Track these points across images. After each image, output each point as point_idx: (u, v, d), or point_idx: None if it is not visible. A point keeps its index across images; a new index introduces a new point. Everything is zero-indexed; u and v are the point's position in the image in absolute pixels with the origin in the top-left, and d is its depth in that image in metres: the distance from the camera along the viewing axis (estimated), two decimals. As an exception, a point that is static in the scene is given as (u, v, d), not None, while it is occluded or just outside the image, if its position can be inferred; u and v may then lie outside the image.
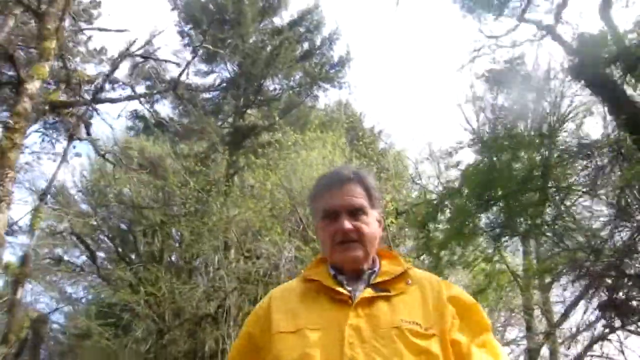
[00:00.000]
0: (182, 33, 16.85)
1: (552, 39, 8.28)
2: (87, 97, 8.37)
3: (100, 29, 9.02)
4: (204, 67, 16.92)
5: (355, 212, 1.64)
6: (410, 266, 1.69)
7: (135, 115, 14.36)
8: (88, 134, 8.46)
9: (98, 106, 8.41)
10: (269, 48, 15.95)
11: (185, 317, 11.14)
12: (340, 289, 1.56)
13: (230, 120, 15.72)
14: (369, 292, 1.55)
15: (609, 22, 7.64)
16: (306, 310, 1.56)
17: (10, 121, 5.57)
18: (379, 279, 1.60)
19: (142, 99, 9.60)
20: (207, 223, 10.67)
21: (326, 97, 17.56)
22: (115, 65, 7.81)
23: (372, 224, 1.67)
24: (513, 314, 14.57)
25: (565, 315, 10.98)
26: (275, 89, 15.97)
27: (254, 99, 15.13)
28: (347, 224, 1.60)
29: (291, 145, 12.92)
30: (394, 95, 34.75)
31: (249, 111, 15.33)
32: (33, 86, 5.78)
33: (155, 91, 9.68)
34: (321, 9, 17.60)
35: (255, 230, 11.51)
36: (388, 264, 1.68)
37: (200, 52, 16.69)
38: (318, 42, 16.97)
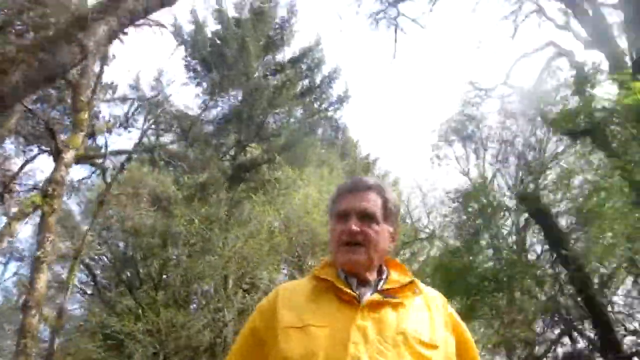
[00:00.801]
0: (188, 67, 17.65)
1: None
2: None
3: (125, 98, 9.75)
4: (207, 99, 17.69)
5: (366, 217, 1.66)
6: (416, 279, 1.71)
7: (143, 149, 15.05)
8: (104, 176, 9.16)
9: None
10: (271, 85, 16.71)
11: (184, 345, 11.71)
12: (349, 291, 1.58)
13: (232, 152, 16.43)
14: (376, 297, 1.58)
15: (582, 97, 8.49)
16: (313, 307, 1.58)
17: (49, 188, 6.27)
18: (387, 286, 1.63)
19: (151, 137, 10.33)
20: (209, 262, 11.29)
21: (324, 133, 18.26)
22: (141, 137, 8.55)
23: (381, 233, 1.67)
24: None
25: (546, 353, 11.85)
26: (276, 124, 16.71)
27: (256, 134, 15.86)
28: (354, 226, 1.63)
29: (290, 181, 13.62)
30: (389, 124, 35.74)
31: (250, 145, 16.05)
32: (69, 155, 6.49)
33: (170, 141, 10.38)
34: (322, 46, 18.46)
35: (254, 264, 12.15)
36: (396, 273, 1.70)
37: (205, 85, 17.54)
38: (318, 80, 17.80)
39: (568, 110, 8.09)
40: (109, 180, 9.03)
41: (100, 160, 8.59)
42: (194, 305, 14.40)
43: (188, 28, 17.80)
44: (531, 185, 9.02)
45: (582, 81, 8.35)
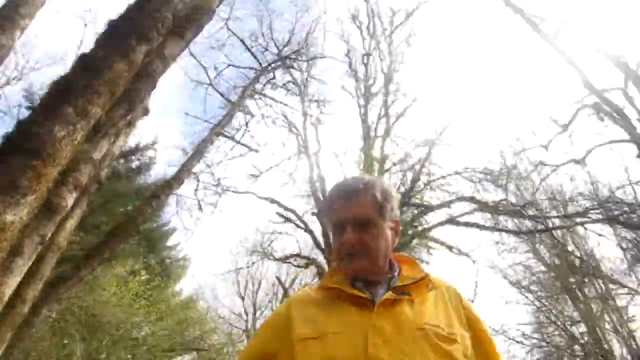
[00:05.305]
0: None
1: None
2: None
3: None
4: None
5: (361, 224, 1.63)
6: (430, 273, 1.67)
7: None
8: None
9: None
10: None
11: None
12: (361, 294, 1.56)
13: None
14: (390, 295, 1.55)
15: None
16: (327, 316, 1.55)
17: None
18: (399, 283, 1.61)
19: None
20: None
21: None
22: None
23: (380, 235, 1.64)
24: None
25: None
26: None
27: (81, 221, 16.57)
28: (351, 237, 1.61)
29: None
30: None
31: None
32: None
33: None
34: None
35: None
36: (408, 269, 1.68)
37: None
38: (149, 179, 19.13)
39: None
40: None
41: None
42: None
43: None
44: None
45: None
